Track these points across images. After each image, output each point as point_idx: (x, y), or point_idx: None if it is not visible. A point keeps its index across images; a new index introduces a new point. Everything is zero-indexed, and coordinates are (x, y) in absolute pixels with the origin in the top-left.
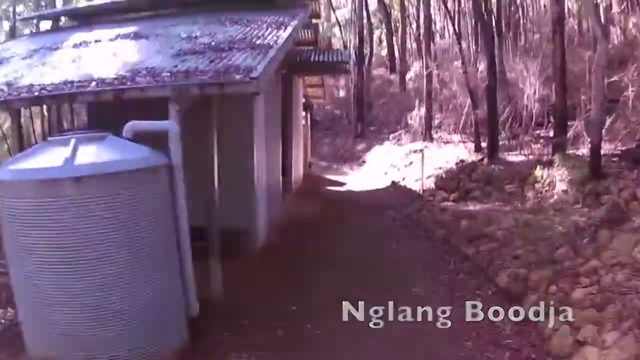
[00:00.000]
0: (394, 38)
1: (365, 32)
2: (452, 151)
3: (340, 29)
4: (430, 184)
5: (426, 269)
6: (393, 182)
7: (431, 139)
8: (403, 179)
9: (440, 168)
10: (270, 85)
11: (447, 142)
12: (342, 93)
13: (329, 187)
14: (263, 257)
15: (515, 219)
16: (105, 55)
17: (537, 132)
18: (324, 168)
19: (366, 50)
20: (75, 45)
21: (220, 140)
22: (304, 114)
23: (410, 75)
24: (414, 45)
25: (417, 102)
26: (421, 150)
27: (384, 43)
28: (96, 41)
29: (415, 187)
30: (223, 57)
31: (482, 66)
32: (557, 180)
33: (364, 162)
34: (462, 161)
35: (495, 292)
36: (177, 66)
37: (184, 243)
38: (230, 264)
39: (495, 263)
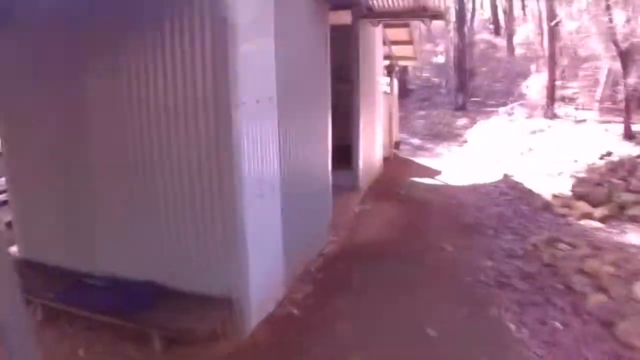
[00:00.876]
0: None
1: None
2: (589, 135)
3: None
4: (563, 185)
5: None
6: (505, 176)
7: (554, 115)
8: (519, 171)
9: (575, 161)
10: (296, 24)
11: (578, 121)
12: (440, 59)
13: (419, 179)
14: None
15: None
16: None
17: None
18: (416, 148)
19: (468, 12)
20: None
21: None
22: (388, 79)
23: (517, 40)
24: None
25: (534, 67)
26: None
27: (485, 6)
28: None
29: (539, 186)
30: None
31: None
32: None
33: (465, 141)
34: (609, 154)
35: None
36: None
37: None
38: None
39: None
